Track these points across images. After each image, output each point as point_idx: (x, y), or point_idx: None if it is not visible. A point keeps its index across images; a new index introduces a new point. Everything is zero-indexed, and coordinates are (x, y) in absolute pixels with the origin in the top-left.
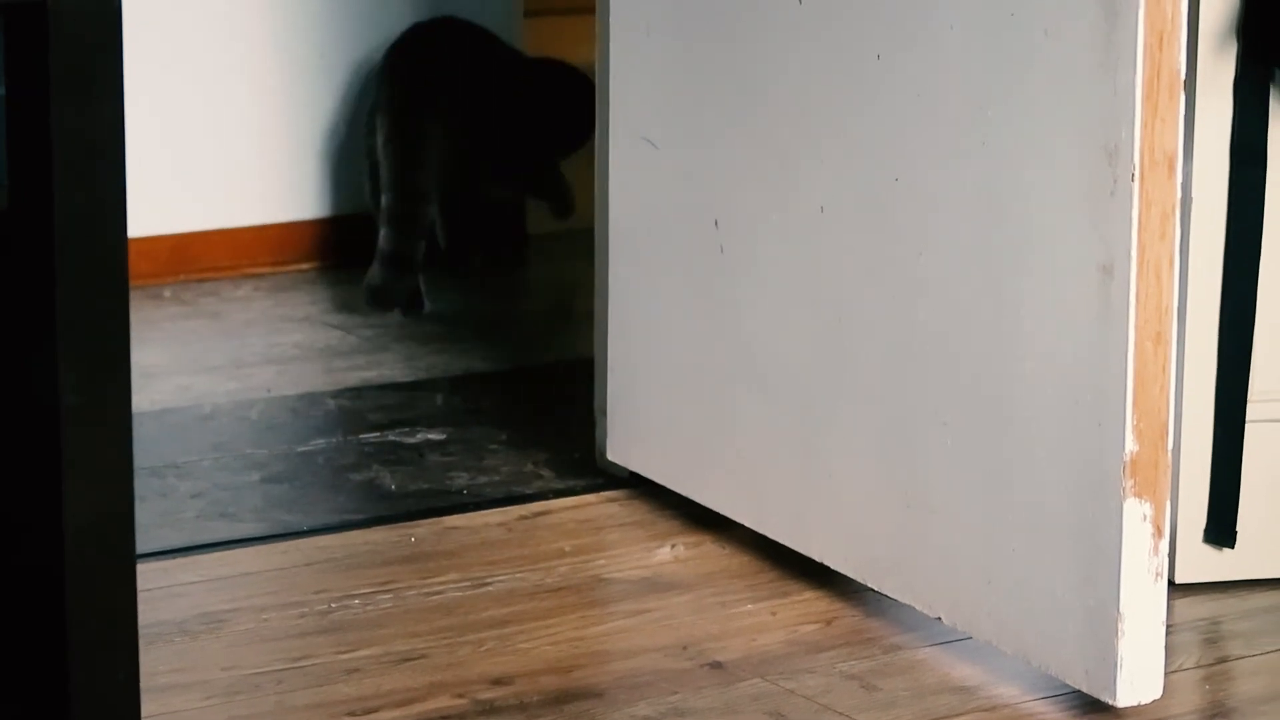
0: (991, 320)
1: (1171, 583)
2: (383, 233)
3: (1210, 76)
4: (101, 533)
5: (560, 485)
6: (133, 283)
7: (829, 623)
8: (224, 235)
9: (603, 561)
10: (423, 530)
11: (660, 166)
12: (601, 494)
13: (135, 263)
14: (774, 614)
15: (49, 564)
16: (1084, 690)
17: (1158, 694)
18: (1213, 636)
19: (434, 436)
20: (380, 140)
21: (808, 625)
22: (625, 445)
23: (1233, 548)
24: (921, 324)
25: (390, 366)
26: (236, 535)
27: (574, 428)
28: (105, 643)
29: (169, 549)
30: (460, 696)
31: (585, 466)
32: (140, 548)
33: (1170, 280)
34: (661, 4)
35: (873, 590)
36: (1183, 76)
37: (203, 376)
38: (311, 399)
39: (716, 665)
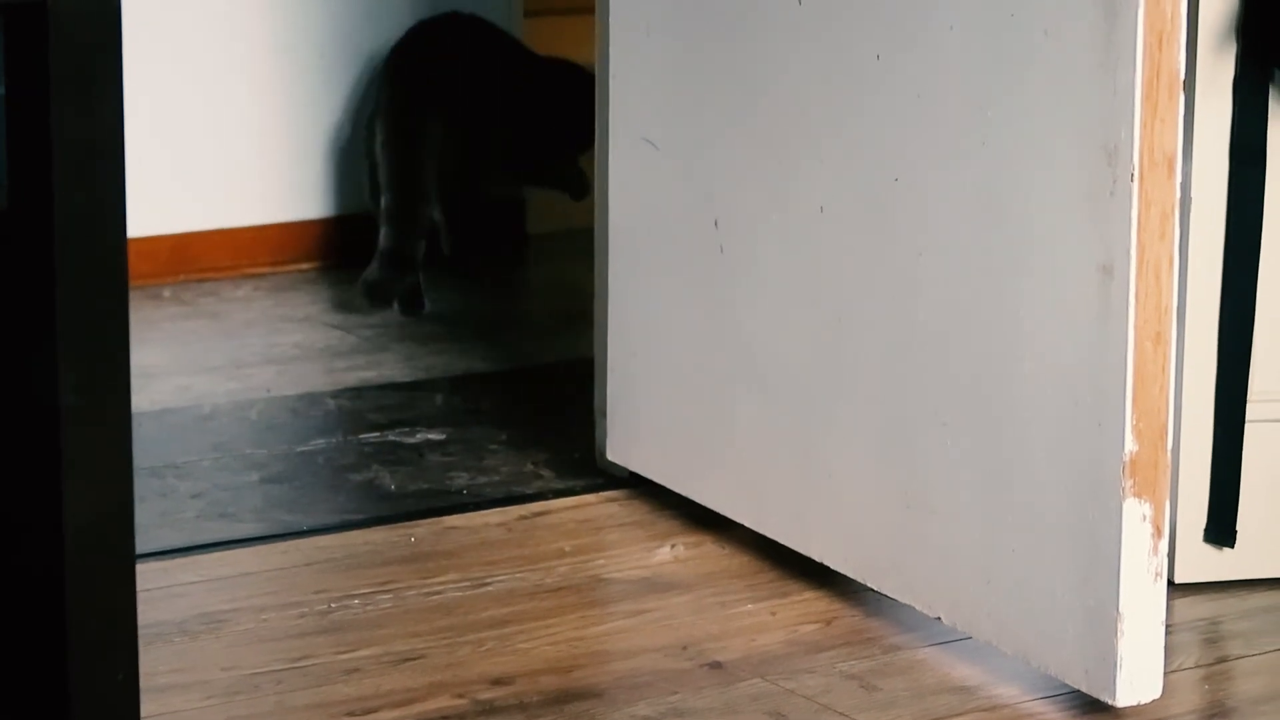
0: (991, 320)
1: (1171, 582)
2: (383, 231)
3: (1210, 76)
4: (101, 533)
5: (560, 485)
6: (133, 283)
7: (829, 623)
8: (224, 235)
9: (602, 561)
10: (422, 530)
11: (660, 166)
12: (601, 494)
13: (135, 263)
14: (774, 614)
15: (49, 564)
16: (1084, 690)
17: (1157, 694)
18: (1212, 636)
19: (434, 436)
20: (379, 141)
21: (807, 625)
22: (625, 445)
23: (1232, 547)
24: (921, 324)
25: (390, 366)
26: (236, 535)
27: (574, 428)
28: (105, 643)
29: (169, 549)
30: (460, 697)
31: (585, 466)
32: (140, 548)
33: (1170, 280)
34: (661, 4)
35: (872, 590)
36: (1182, 76)
37: (202, 377)
38: (311, 399)
39: (716, 665)
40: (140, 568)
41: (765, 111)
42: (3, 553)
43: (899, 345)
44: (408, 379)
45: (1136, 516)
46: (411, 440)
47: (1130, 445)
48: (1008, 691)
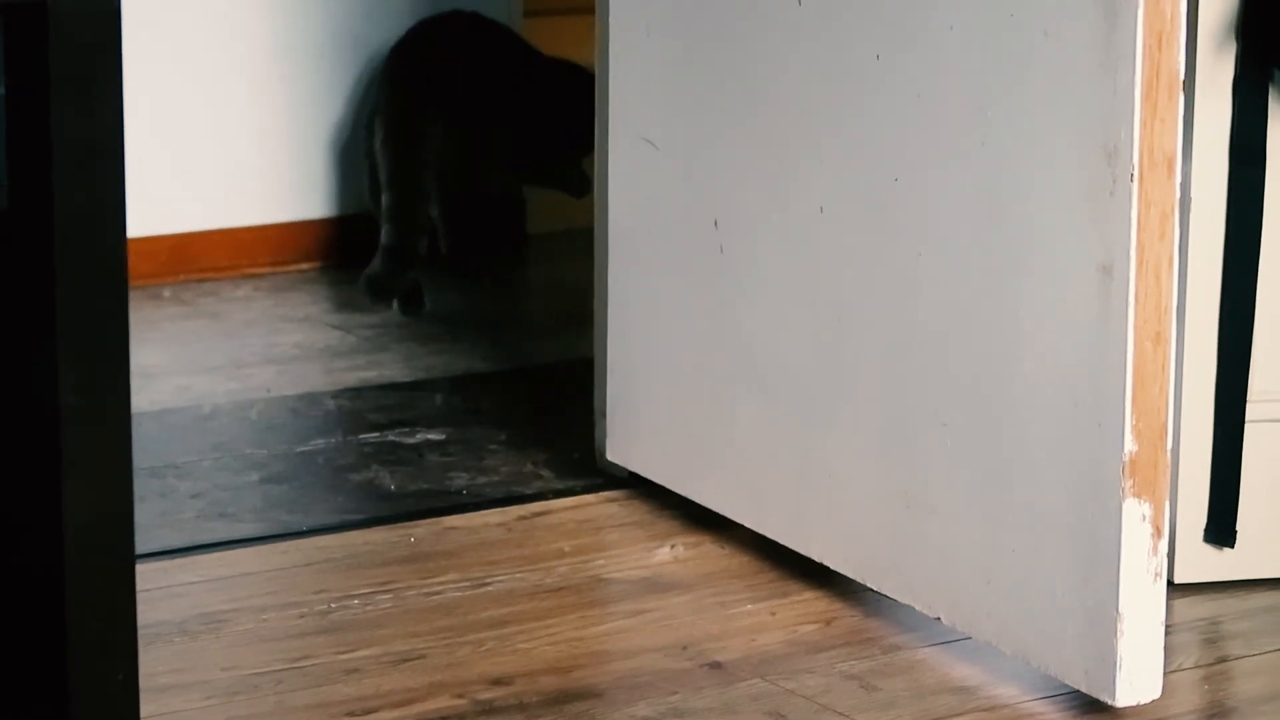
0: (991, 320)
1: (1171, 583)
2: (384, 229)
3: (1209, 77)
4: (101, 533)
5: (560, 485)
6: (133, 283)
7: (828, 623)
8: (224, 235)
9: (602, 562)
10: (422, 530)
11: (660, 167)
12: (601, 494)
13: (135, 263)
14: (773, 614)
15: (49, 564)
16: (1083, 690)
17: (1157, 694)
18: (1212, 636)
19: (434, 437)
20: (378, 140)
21: (807, 625)
22: (625, 445)
23: (1232, 547)
24: (921, 324)
25: (390, 366)
26: (236, 535)
27: (574, 428)
28: (105, 643)
29: (169, 549)
30: (460, 697)
31: (585, 467)
32: (140, 548)
33: (1169, 280)
34: (661, 4)
35: (872, 590)
36: (1182, 77)
37: (202, 377)
38: (311, 399)
39: (716, 665)
40: (140, 568)
41: (765, 111)
42: (3, 553)
43: (899, 345)
44: (408, 379)
45: (1136, 516)
46: (411, 440)
47: (1130, 445)
48: (1007, 691)
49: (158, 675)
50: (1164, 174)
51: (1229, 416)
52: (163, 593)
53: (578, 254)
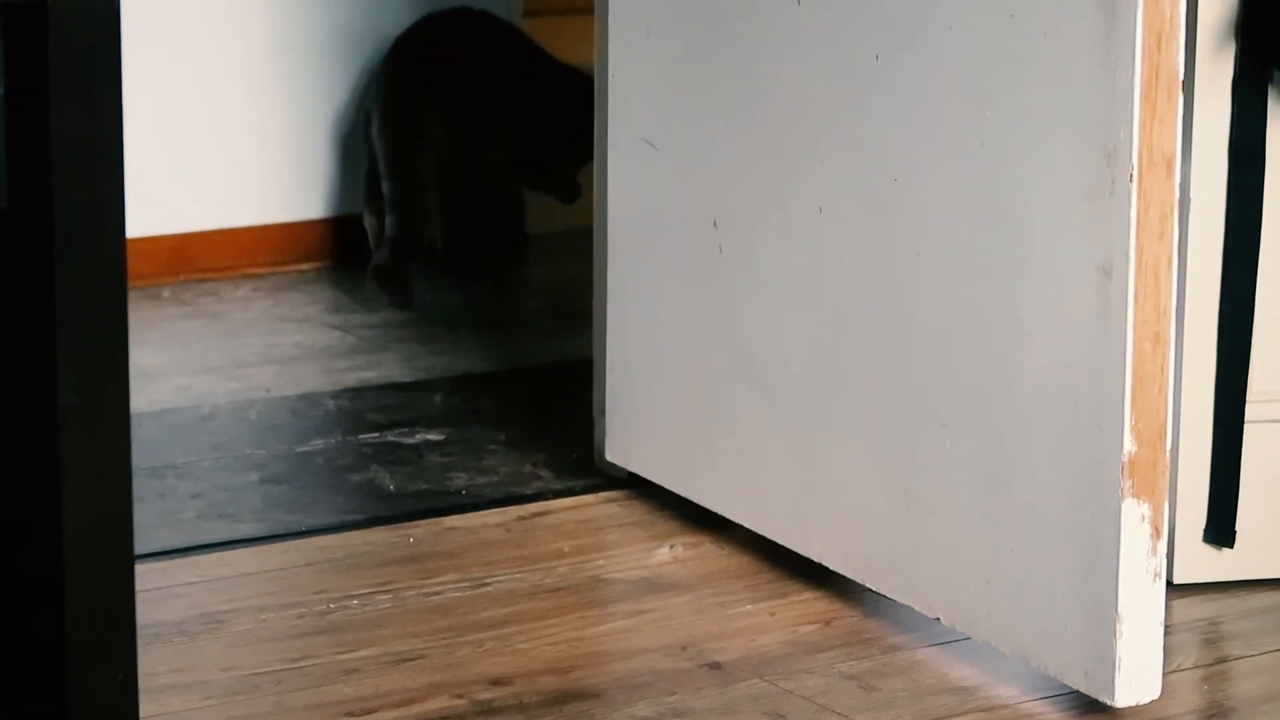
0: (991, 320)
1: (1170, 583)
2: (388, 220)
3: (1209, 77)
4: (100, 533)
5: (559, 486)
6: (132, 283)
7: (828, 623)
8: (224, 235)
9: (602, 562)
10: (421, 531)
11: (660, 167)
12: (600, 494)
13: (135, 263)
14: (773, 614)
15: (48, 564)
16: (1083, 690)
17: (1156, 694)
18: (1211, 637)
19: (433, 437)
20: (375, 129)
21: (806, 626)
22: (624, 446)
23: (1232, 548)
24: (920, 324)
25: (390, 367)
26: (235, 536)
27: (573, 428)
28: (104, 643)
29: (168, 549)
30: (459, 697)
31: (584, 467)
32: (139, 548)
33: (1169, 280)
34: (661, 4)
35: (871, 591)
36: (1181, 77)
37: (202, 377)
38: (311, 399)
39: (715, 665)
40: (140, 568)
41: (765, 112)
42: (3, 553)
43: (898, 345)
44: (407, 379)
45: (1135, 517)
46: (411, 441)
47: (1129, 445)
48: (1007, 692)
49: (157, 675)
50: (1163, 174)
51: (1228, 417)
52: (162, 593)
53: (578, 254)
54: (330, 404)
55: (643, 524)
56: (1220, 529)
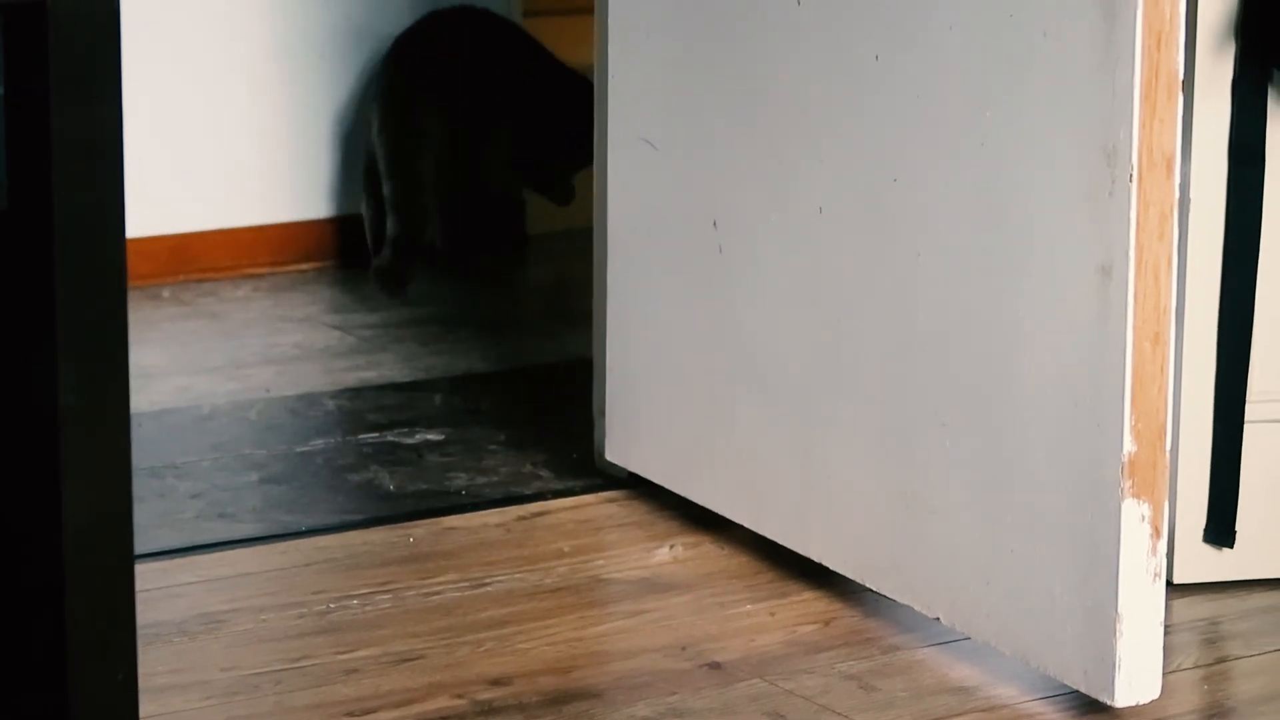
0: (990, 321)
1: (1170, 583)
2: (389, 220)
3: (1208, 77)
4: (100, 533)
5: (559, 486)
6: (132, 283)
7: (828, 623)
8: (223, 235)
9: (601, 562)
10: (421, 531)
11: (659, 167)
12: (600, 494)
13: (135, 263)
14: (773, 614)
15: (48, 564)
16: (1082, 690)
17: (1156, 694)
18: (1211, 637)
19: (433, 437)
20: (375, 128)
21: (806, 626)
22: (624, 446)
23: (1232, 548)
24: (920, 324)
25: (389, 367)
26: (235, 536)
27: (573, 428)
28: (104, 643)
29: (168, 549)
30: (459, 697)
31: (584, 467)
32: (139, 548)
33: (1169, 280)
34: (661, 4)
35: (871, 591)
36: (1181, 77)
37: (202, 377)
38: (310, 399)
39: (715, 666)
40: (139, 568)
41: (764, 112)
42: (3, 553)
43: (898, 345)
44: (407, 379)
45: (1135, 517)
46: (410, 441)
47: (1129, 446)
48: (1006, 692)
49: (157, 675)
50: (1163, 174)
51: (1228, 417)
52: (162, 593)
53: (578, 254)
54: (330, 404)
55: (643, 524)
56: (1220, 529)
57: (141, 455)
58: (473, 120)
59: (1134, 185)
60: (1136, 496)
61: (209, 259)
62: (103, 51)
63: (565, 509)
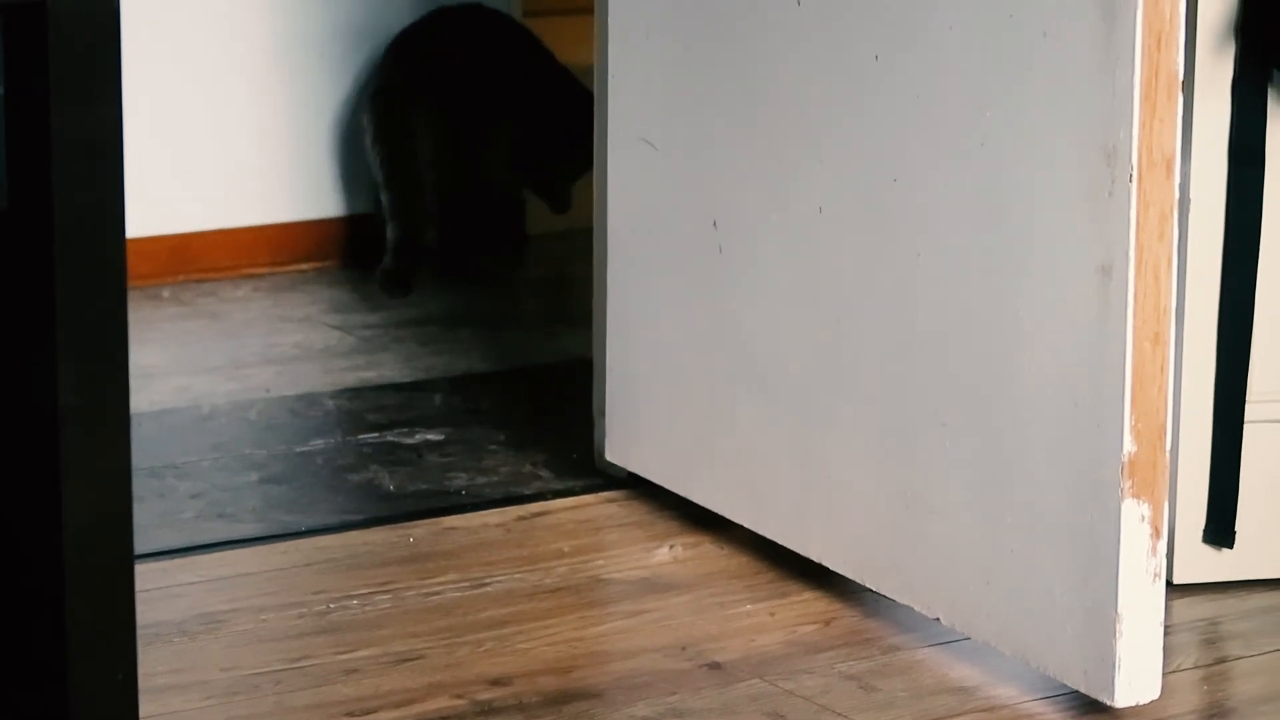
0: (990, 321)
1: (1170, 583)
2: (388, 226)
3: (1208, 77)
4: (100, 533)
5: (559, 486)
6: (132, 283)
7: (828, 623)
8: (223, 235)
9: (601, 562)
10: (421, 531)
11: (659, 167)
12: (600, 494)
13: (135, 263)
14: (773, 614)
15: (48, 564)
16: (1082, 691)
17: (1156, 694)
18: (1211, 637)
19: (433, 437)
20: (369, 140)
21: (806, 626)
22: (624, 446)
23: (1231, 548)
24: (920, 325)
25: (389, 367)
26: (235, 536)
27: (573, 428)
28: (104, 643)
29: (168, 549)
30: (459, 697)
31: (584, 467)
32: (139, 548)
33: (1168, 281)
34: (661, 4)
35: (871, 591)
36: (1181, 77)
37: (202, 377)
38: (310, 399)
39: (715, 666)
40: (139, 568)
41: (764, 112)
42: (3, 553)
43: (898, 345)
44: (407, 379)
45: (1135, 517)
46: (410, 441)
47: (1129, 446)
48: (1006, 692)
49: (157, 675)
50: (1163, 174)
51: (1228, 417)
52: (162, 593)
53: (578, 254)
54: (330, 404)
55: (642, 524)
56: (1219, 529)
57: (141, 455)
58: (472, 118)
59: (1134, 185)
60: (1136, 496)
61: (209, 259)
62: (103, 51)
63: (565, 509)
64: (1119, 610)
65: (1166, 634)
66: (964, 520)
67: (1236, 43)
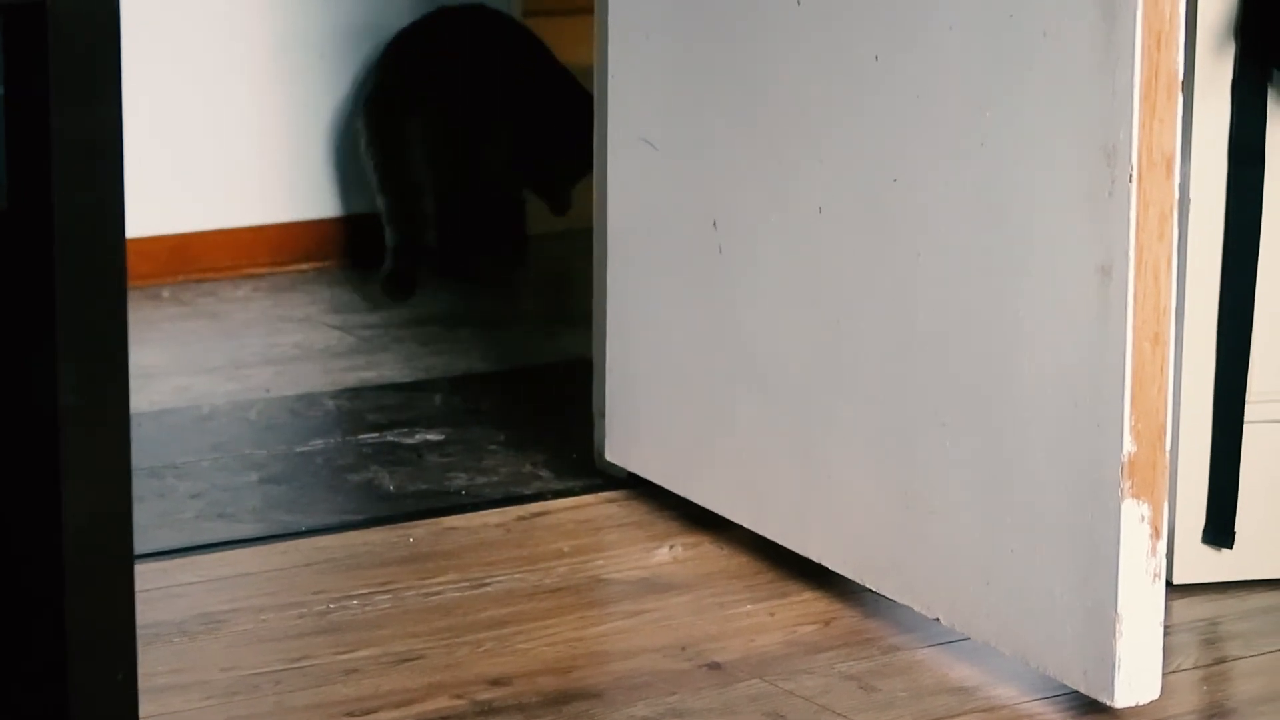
0: (990, 321)
1: (1170, 583)
2: (386, 231)
3: (1208, 77)
4: (100, 533)
5: (559, 486)
6: (132, 283)
7: (827, 623)
8: (223, 235)
9: (601, 562)
10: (421, 531)
11: (659, 167)
12: (600, 494)
13: (135, 263)
14: (772, 614)
15: (48, 564)
16: (1082, 691)
17: (1156, 695)
18: (1211, 637)
19: (433, 437)
20: (363, 145)
21: (806, 626)
22: (624, 446)
23: (1231, 548)
24: (920, 325)
25: (389, 367)
26: (235, 536)
27: (573, 428)
28: (104, 643)
29: (168, 549)
30: (458, 697)
31: (584, 467)
32: (139, 548)
33: (1168, 281)
34: (661, 4)
35: (871, 591)
36: (1181, 77)
37: (201, 377)
38: (310, 399)
39: (715, 666)
40: (139, 568)
41: (764, 112)
42: (3, 553)
43: (898, 346)
44: (407, 379)
45: (1135, 517)
46: (410, 441)
47: (1129, 446)
48: (1006, 692)
49: (157, 675)
50: (1163, 174)
51: (1228, 417)
52: (162, 593)
53: (578, 254)
54: (330, 404)
55: (642, 524)
56: (1219, 529)
57: (141, 455)
58: (472, 118)
59: (1134, 185)
60: (1136, 497)
61: (209, 259)
62: (103, 51)
63: (565, 509)
64: (1119, 610)
65: (1166, 634)
66: (964, 520)
67: (1236, 43)
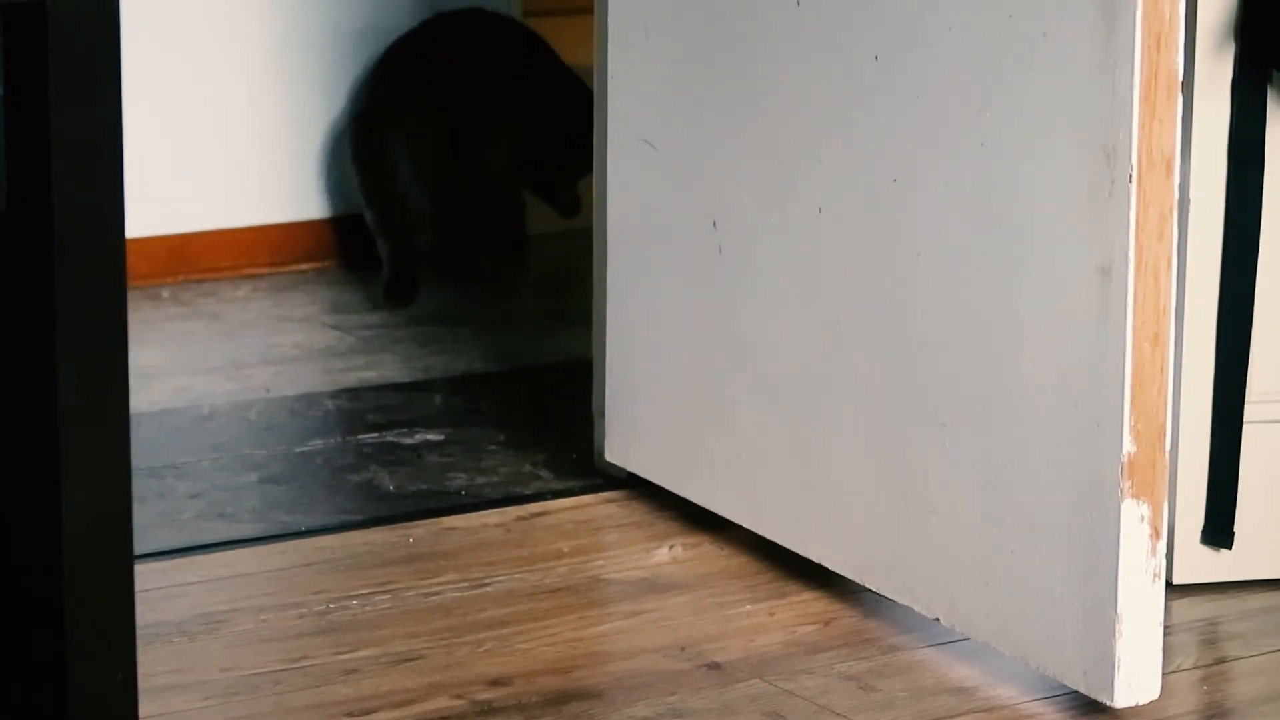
0: (990, 321)
1: (1169, 584)
2: (378, 243)
3: (1208, 77)
4: (100, 533)
5: (559, 486)
6: (132, 283)
7: (827, 623)
8: (223, 236)
9: (601, 562)
10: (421, 531)
11: (659, 167)
12: (600, 495)
13: (134, 263)
14: (772, 615)
15: (48, 564)
16: (1082, 691)
17: (1155, 695)
18: (1210, 637)
19: (432, 437)
20: (349, 160)
21: (806, 626)
22: (623, 446)
23: (1230, 549)
24: (920, 325)
25: (389, 367)
26: (235, 536)
27: (572, 428)
28: (104, 643)
29: (167, 549)
30: (458, 697)
31: (583, 467)
32: (139, 548)
33: (1168, 281)
34: (660, 5)
35: (871, 591)
36: (1180, 77)
37: (201, 377)
38: (310, 400)
39: (715, 666)
40: (139, 568)
41: (764, 112)
42: (3, 553)
43: (898, 346)
44: (406, 379)
45: (1135, 517)
46: (410, 441)
47: (1129, 446)
48: (1006, 692)
49: (157, 675)
50: (1162, 175)
51: (1227, 417)
52: (162, 593)
53: (578, 254)
54: (329, 404)
55: (642, 524)
56: (1218, 530)
57: (141, 455)
58: (471, 118)
59: (1134, 185)
60: (1136, 497)
61: (209, 259)
62: (103, 51)
63: (565, 509)
64: (1119, 610)
65: (1166, 634)
66: (964, 520)
67: (1236, 43)
